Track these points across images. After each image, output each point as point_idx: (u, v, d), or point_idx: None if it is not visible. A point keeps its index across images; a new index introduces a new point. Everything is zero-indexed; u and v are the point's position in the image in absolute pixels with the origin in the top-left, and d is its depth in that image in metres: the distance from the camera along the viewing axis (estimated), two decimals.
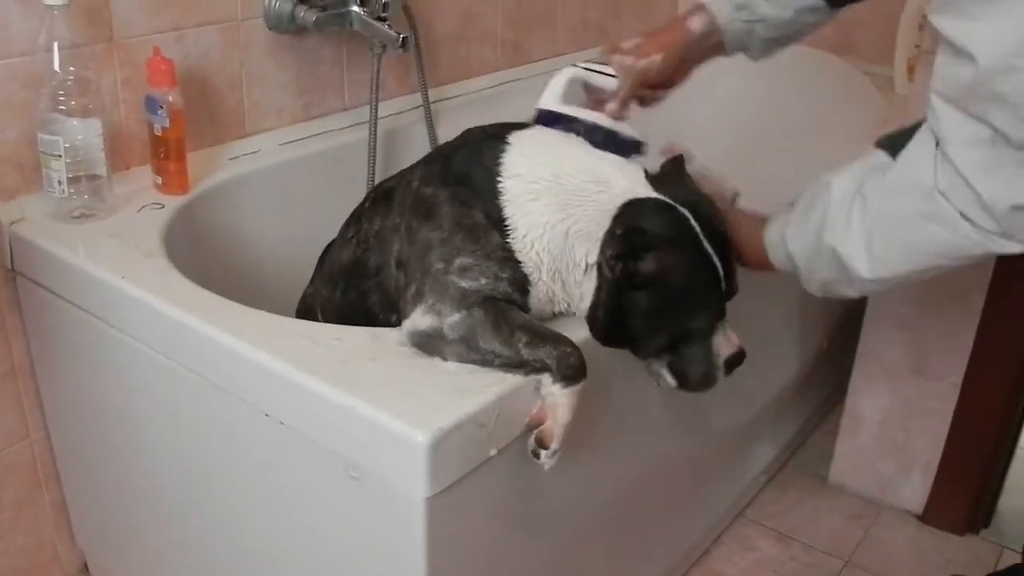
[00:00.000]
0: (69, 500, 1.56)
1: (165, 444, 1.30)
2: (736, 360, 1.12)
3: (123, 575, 1.56)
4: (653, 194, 1.08)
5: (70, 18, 1.31)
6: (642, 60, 1.30)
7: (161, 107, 1.42)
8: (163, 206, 1.43)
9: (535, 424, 1.06)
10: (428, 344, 1.06)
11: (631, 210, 1.06)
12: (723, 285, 1.08)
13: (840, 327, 1.90)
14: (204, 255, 1.45)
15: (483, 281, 1.05)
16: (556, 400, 1.04)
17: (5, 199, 1.36)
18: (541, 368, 1.03)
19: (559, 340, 1.03)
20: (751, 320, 1.60)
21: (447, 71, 1.96)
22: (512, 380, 1.03)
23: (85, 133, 1.36)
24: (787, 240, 1.15)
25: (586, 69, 1.31)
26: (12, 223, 1.36)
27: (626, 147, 1.22)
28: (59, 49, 1.31)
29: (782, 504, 1.88)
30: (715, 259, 1.07)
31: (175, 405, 1.24)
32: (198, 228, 1.47)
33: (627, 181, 1.09)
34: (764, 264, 1.20)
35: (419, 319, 1.05)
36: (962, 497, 1.81)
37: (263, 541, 1.22)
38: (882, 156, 1.07)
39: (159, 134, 1.43)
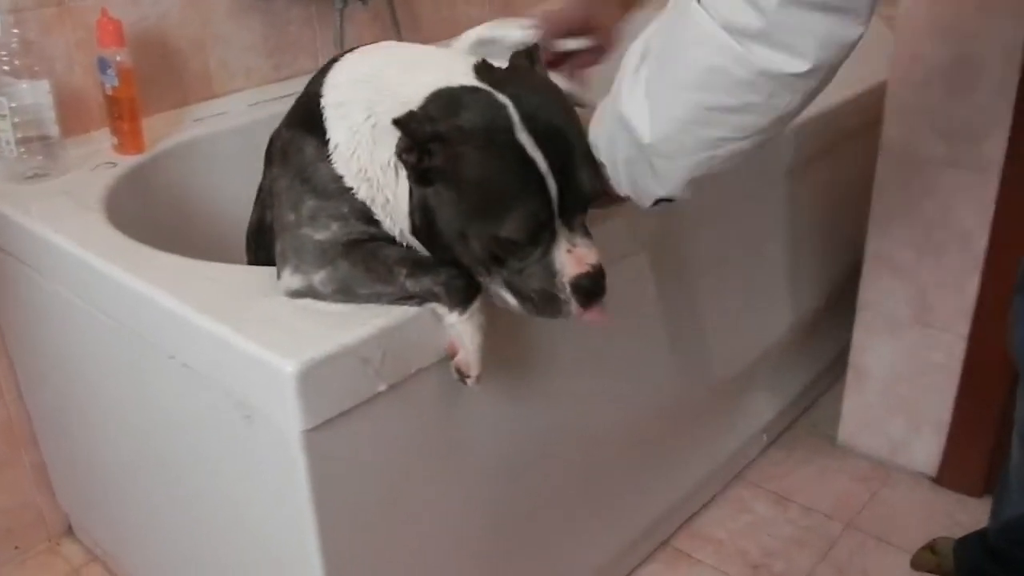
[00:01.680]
0: (48, 461, 1.59)
1: (107, 400, 1.31)
2: (587, 282, 0.93)
3: (103, 534, 1.59)
4: (471, 82, 0.94)
5: None
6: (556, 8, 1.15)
7: (110, 67, 1.43)
8: (115, 164, 1.44)
9: (451, 355, 1.03)
10: (309, 297, 1.03)
11: (433, 98, 0.92)
12: (552, 187, 0.90)
13: (846, 280, 1.80)
14: (158, 212, 1.46)
15: (334, 227, 1.00)
16: (458, 329, 1.00)
17: None
18: (431, 297, 0.99)
19: (441, 266, 0.98)
20: (737, 265, 1.56)
21: (429, 29, 1.94)
22: (398, 313, 0.99)
23: (34, 95, 1.38)
24: (594, 134, 0.98)
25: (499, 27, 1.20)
26: None
27: None
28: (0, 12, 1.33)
29: (785, 466, 1.79)
30: (534, 154, 0.89)
31: (106, 356, 1.25)
32: (153, 186, 1.48)
33: (443, 72, 0.94)
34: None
35: (289, 279, 1.02)
36: (977, 456, 1.69)
37: (183, 489, 1.23)
38: None
39: (110, 94, 1.45)
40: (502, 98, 0.91)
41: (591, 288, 0.93)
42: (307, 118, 1.02)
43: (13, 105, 1.36)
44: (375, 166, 0.97)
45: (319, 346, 0.94)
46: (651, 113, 0.89)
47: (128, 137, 1.47)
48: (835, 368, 1.89)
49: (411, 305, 1.00)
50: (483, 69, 0.96)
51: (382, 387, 0.99)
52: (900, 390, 1.73)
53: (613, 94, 0.96)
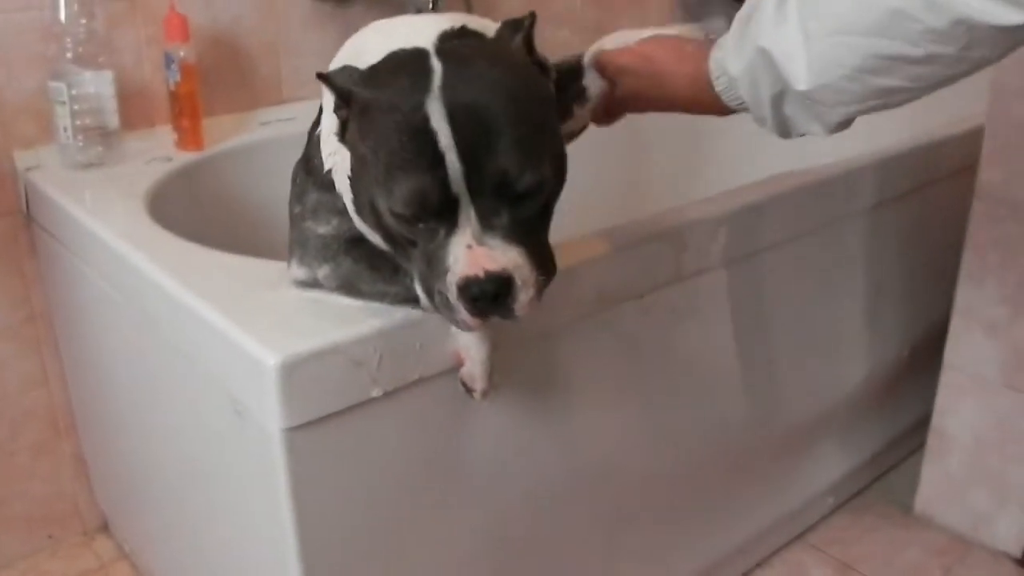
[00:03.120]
0: (87, 454, 1.59)
1: (132, 394, 1.29)
2: (474, 289, 0.79)
3: (130, 531, 1.57)
4: (424, 46, 0.83)
5: None
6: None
7: (174, 62, 1.44)
8: (171, 159, 1.44)
9: (457, 365, 0.97)
10: (315, 288, 0.99)
11: (382, 60, 0.84)
12: (453, 166, 0.77)
13: (931, 335, 1.66)
14: (205, 210, 1.45)
15: (335, 222, 0.95)
16: (466, 340, 0.95)
17: (24, 147, 1.42)
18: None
19: None
20: (809, 302, 1.45)
21: None
22: (400, 315, 0.94)
23: (96, 84, 1.40)
24: (727, 62, 0.91)
25: None
26: (27, 169, 1.40)
27: None
28: (67, 1, 1.35)
29: (852, 532, 1.65)
30: (438, 125, 0.77)
31: (129, 347, 1.23)
32: (205, 184, 1.47)
33: (411, 36, 0.84)
34: (705, 100, 0.95)
35: (295, 270, 0.99)
36: None
37: (190, 488, 1.21)
38: None
39: (172, 89, 1.45)
40: (435, 63, 0.80)
41: (477, 296, 0.79)
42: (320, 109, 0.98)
43: (74, 93, 1.37)
44: (332, 138, 0.89)
45: (308, 341, 0.89)
46: (808, 55, 0.80)
47: (188, 134, 1.47)
48: (916, 432, 1.74)
49: (418, 308, 0.94)
50: (449, 35, 0.85)
51: (376, 392, 0.94)
52: (986, 459, 1.57)
53: (744, 16, 0.88)
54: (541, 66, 0.89)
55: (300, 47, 1.64)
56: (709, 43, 0.96)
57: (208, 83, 1.53)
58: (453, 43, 0.84)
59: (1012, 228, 1.45)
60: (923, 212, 1.59)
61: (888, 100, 0.82)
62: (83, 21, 1.37)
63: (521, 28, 0.87)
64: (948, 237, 1.54)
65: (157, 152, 1.46)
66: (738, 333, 1.34)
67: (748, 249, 1.28)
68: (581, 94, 1.05)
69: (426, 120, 0.77)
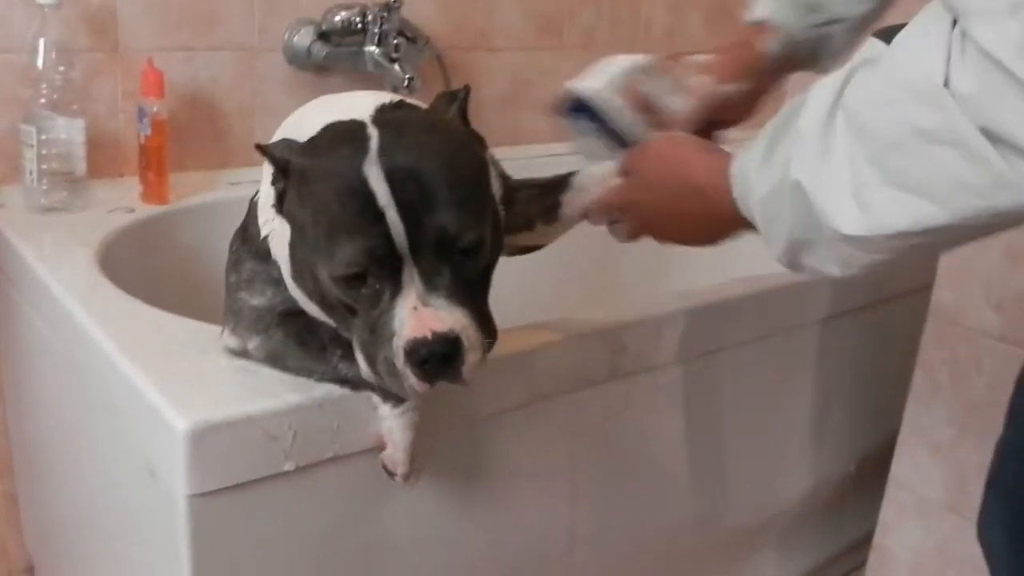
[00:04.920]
0: (20, 497, 1.57)
1: (64, 444, 1.28)
2: (423, 351, 0.77)
3: None
4: (361, 118, 0.84)
5: (62, 19, 1.38)
6: (728, 84, 1.09)
7: (146, 116, 1.45)
8: (133, 211, 1.45)
9: (379, 448, 0.96)
10: (245, 358, 0.99)
11: (320, 132, 0.85)
12: (395, 225, 0.77)
13: (879, 451, 1.66)
14: (160, 264, 1.45)
15: (269, 293, 0.95)
16: (390, 423, 0.93)
17: None
18: (363, 385, 0.93)
19: None
20: (757, 408, 1.44)
21: (492, 134, 1.91)
22: (321, 392, 0.94)
23: (68, 131, 1.41)
24: (751, 180, 0.82)
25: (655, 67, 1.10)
26: None
27: None
28: (46, 48, 1.37)
29: None
30: (377, 187, 0.77)
31: (63, 397, 1.23)
32: (165, 238, 1.47)
33: (349, 110, 0.86)
34: (726, 216, 0.87)
35: (228, 339, 0.99)
36: None
37: (108, 548, 1.19)
38: (878, 45, 0.74)
39: (142, 142, 1.47)
40: (372, 131, 0.81)
41: (427, 357, 0.77)
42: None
43: (43, 137, 1.38)
44: (270, 208, 0.90)
45: (223, 409, 0.89)
46: (856, 199, 0.71)
47: (153, 187, 1.48)
48: (859, 549, 1.72)
49: (344, 388, 0.94)
50: (387, 107, 0.87)
51: (289, 466, 0.93)
52: None
53: (786, 147, 0.79)
54: (476, 137, 0.91)
55: (275, 111, 1.65)
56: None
57: (181, 139, 1.55)
58: (390, 115, 0.86)
59: (962, 350, 1.45)
60: (877, 328, 1.60)
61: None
62: (61, 68, 1.39)
63: (456, 99, 0.89)
64: (901, 354, 1.54)
65: (121, 202, 1.47)
66: (679, 433, 1.33)
67: (693, 351, 1.29)
68: (552, 210, 1.07)
69: (364, 182, 0.78)
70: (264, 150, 0.85)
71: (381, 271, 0.79)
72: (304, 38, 1.61)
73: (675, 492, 1.38)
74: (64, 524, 1.37)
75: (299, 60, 1.63)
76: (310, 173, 0.82)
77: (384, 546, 1.05)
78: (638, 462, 1.31)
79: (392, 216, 0.77)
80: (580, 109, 1.10)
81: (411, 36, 1.64)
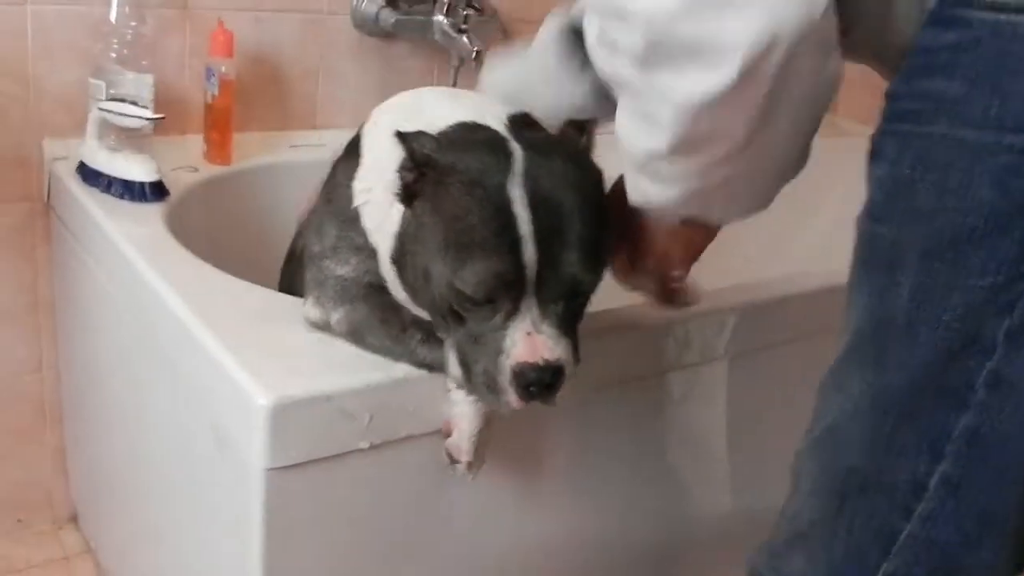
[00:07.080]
0: (68, 446, 1.59)
1: (118, 396, 1.30)
2: (532, 375, 0.80)
3: (99, 528, 1.56)
4: (496, 126, 0.86)
5: None
6: None
7: (214, 76, 1.45)
8: (197, 170, 1.45)
9: (445, 434, 0.96)
10: (326, 331, 0.99)
11: (452, 129, 0.87)
12: (528, 254, 0.79)
13: None
14: (223, 224, 1.45)
15: (353, 262, 0.95)
16: (461, 409, 0.94)
17: (55, 136, 1.43)
18: (440, 369, 0.93)
19: None
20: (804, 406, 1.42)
21: None
22: (401, 373, 0.94)
23: (136, 86, 1.40)
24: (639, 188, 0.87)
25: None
26: (54, 159, 1.42)
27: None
28: (119, 2, 1.37)
29: None
30: (519, 211, 0.79)
31: (122, 351, 1.24)
32: (225, 198, 1.47)
33: (477, 110, 0.88)
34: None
35: (310, 310, 0.99)
36: None
37: (160, 503, 1.20)
38: None
39: (209, 102, 1.47)
40: (515, 148, 0.83)
41: (534, 382, 0.80)
42: (351, 141, 0.99)
43: (112, 92, 1.38)
44: (381, 184, 0.90)
45: (303, 386, 0.89)
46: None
47: (216, 147, 1.48)
48: None
49: (423, 370, 0.94)
50: (518, 119, 0.89)
51: (364, 444, 0.94)
52: None
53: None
54: (600, 173, 0.91)
55: (340, 76, 1.65)
56: None
57: (245, 99, 1.54)
58: (526, 131, 0.87)
59: None
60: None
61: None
62: (132, 24, 1.38)
63: (584, 131, 0.90)
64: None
65: (184, 161, 1.47)
66: (731, 424, 1.34)
67: (752, 345, 1.28)
68: None
69: (507, 203, 0.79)
70: (405, 142, 0.84)
71: (504, 294, 0.80)
72: (372, 4, 1.60)
73: (723, 483, 1.38)
74: (116, 476, 1.39)
75: (367, 26, 1.61)
76: (451, 176, 0.82)
77: (443, 523, 1.06)
78: (696, 452, 1.31)
79: (528, 247, 0.79)
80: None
81: (479, 7, 1.63)
